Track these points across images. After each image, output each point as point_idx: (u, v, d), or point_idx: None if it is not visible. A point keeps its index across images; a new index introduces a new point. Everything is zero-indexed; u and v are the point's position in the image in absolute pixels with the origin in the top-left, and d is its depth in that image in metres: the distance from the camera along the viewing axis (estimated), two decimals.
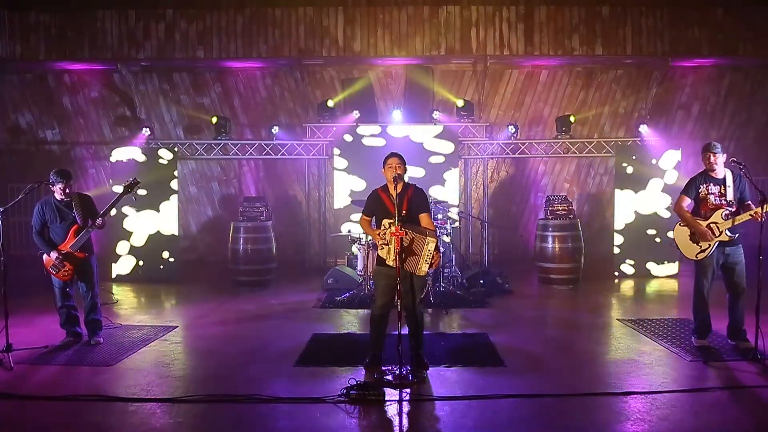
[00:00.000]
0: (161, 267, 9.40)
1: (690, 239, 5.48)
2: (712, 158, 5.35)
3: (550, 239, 8.74)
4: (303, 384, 4.69)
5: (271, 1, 9.64)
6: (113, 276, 9.40)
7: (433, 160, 10.20)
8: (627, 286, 8.95)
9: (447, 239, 8.13)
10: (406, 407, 4.27)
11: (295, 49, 9.68)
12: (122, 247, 9.44)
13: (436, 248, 4.63)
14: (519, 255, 10.99)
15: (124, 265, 9.45)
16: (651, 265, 9.44)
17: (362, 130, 10.21)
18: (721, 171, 5.39)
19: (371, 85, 10.70)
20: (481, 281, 8.26)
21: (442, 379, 4.79)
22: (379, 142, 10.14)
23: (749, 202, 5.35)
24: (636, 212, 9.48)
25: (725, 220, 5.28)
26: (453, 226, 8.45)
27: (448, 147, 10.22)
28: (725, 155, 5.40)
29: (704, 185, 5.41)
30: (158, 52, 9.72)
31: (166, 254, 9.43)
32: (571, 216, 8.91)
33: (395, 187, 4.74)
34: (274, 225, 9.36)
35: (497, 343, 5.77)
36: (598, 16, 9.62)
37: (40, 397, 4.39)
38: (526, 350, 5.62)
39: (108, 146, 10.69)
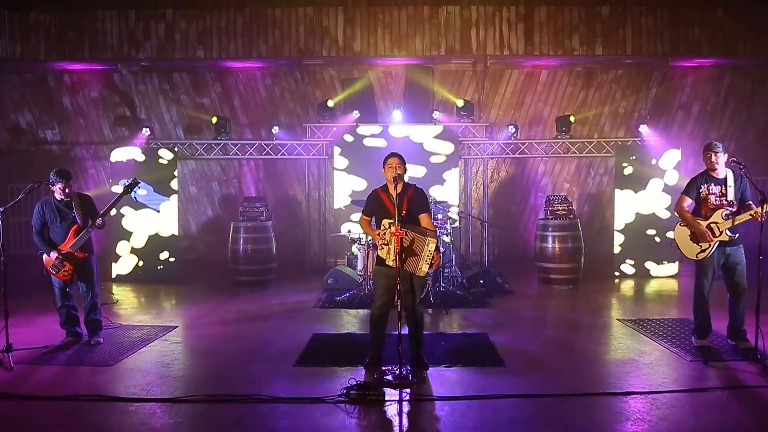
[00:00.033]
0: (161, 267, 9.40)
1: (690, 239, 5.47)
2: (713, 158, 5.34)
3: (550, 239, 8.74)
4: (303, 384, 4.69)
5: (271, 1, 9.64)
6: (113, 276, 9.41)
7: (434, 159, 10.21)
8: (627, 286, 8.95)
9: (447, 239, 8.12)
10: (406, 407, 4.27)
11: (295, 49, 9.68)
12: (122, 247, 9.44)
13: (437, 249, 4.63)
14: (519, 255, 10.99)
15: (124, 265, 9.45)
16: (651, 266, 9.45)
17: (362, 130, 10.21)
18: (722, 171, 5.38)
19: (371, 85, 10.70)
20: (481, 281, 8.26)
21: (442, 379, 4.79)
22: (380, 142, 10.13)
23: (750, 202, 5.34)
24: (636, 212, 9.48)
25: (725, 220, 5.27)
26: (453, 226, 8.44)
27: (448, 148, 10.22)
28: (726, 155, 5.40)
29: (705, 185, 5.41)
30: (158, 52, 9.72)
31: (166, 254, 9.43)
32: (571, 216, 8.91)
33: (395, 187, 4.74)
34: (274, 225, 9.36)
35: (497, 343, 5.77)
36: (598, 16, 9.62)
37: (40, 397, 4.39)
38: (526, 350, 5.62)
39: (108, 146, 10.69)
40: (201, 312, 7.37)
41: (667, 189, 9.42)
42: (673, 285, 8.97)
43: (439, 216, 8.03)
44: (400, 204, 4.74)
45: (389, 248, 4.74)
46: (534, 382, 4.71)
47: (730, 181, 5.35)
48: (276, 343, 5.87)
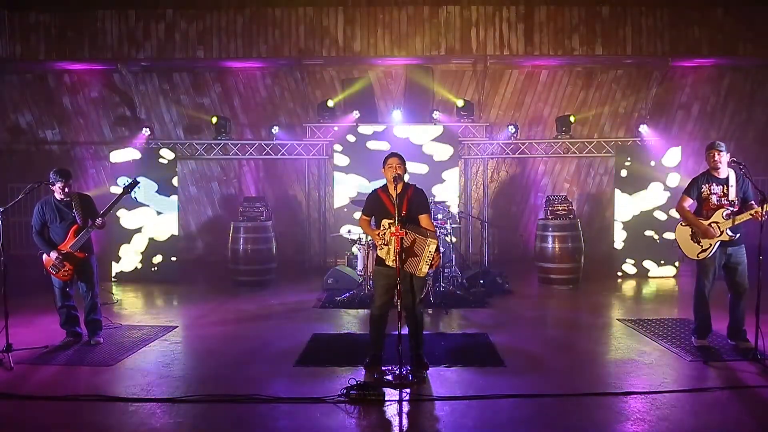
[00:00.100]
0: (160, 267, 9.39)
1: (691, 239, 5.47)
2: (716, 156, 5.32)
3: (550, 239, 8.74)
4: (303, 384, 4.69)
5: (271, 1, 9.64)
6: (113, 276, 9.41)
7: (436, 157, 10.20)
8: (627, 286, 8.95)
9: (451, 239, 8.12)
10: (406, 407, 4.27)
11: (295, 49, 9.68)
12: (122, 247, 9.43)
13: (437, 250, 4.64)
14: (519, 255, 10.99)
15: (124, 264, 9.45)
16: (651, 266, 9.45)
17: (362, 130, 10.21)
18: (725, 170, 5.37)
19: (371, 85, 10.70)
20: (481, 281, 8.26)
21: (442, 379, 4.79)
22: (382, 144, 10.13)
23: (752, 201, 5.33)
24: (636, 212, 9.48)
25: (726, 219, 5.27)
26: (453, 226, 8.45)
27: (447, 151, 10.22)
28: (729, 154, 5.39)
29: (706, 185, 5.40)
30: (158, 52, 9.72)
31: (166, 254, 9.42)
32: (571, 216, 8.91)
33: (395, 187, 4.73)
34: (274, 225, 9.36)
35: (497, 343, 5.77)
36: (598, 16, 9.62)
37: (40, 397, 4.39)
38: (526, 350, 5.62)
39: (108, 146, 10.69)
40: (201, 312, 7.37)
41: (667, 189, 9.41)
42: (673, 285, 8.97)
43: (439, 216, 8.03)
44: (400, 204, 4.74)
45: (389, 248, 4.74)
46: (534, 382, 4.71)
47: (732, 181, 5.33)
48: (276, 343, 5.87)
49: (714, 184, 5.38)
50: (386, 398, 4.30)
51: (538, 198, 11.05)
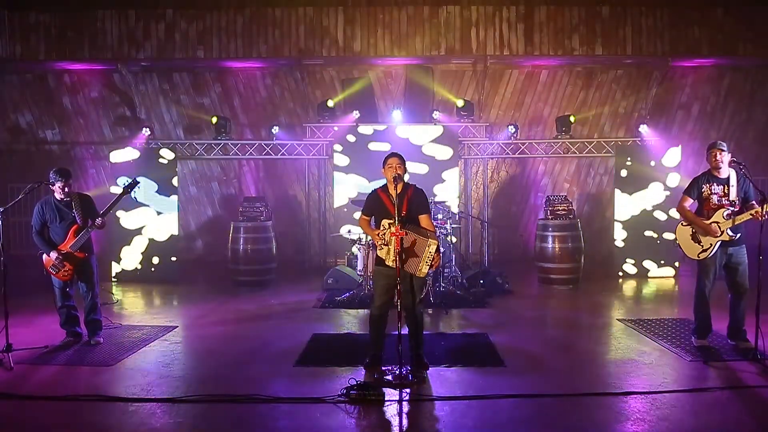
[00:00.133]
0: (161, 267, 9.39)
1: (692, 239, 5.46)
2: (718, 155, 5.31)
3: (550, 239, 8.74)
4: (303, 384, 4.69)
5: (271, 1, 9.65)
6: (113, 276, 9.41)
7: (436, 156, 10.20)
8: (627, 286, 8.95)
9: (451, 239, 8.11)
10: (406, 407, 4.27)
11: (295, 49, 9.68)
12: (122, 247, 9.43)
13: (437, 250, 4.63)
14: (519, 255, 10.99)
15: (124, 264, 9.45)
16: (652, 266, 9.44)
17: (362, 130, 10.21)
18: (726, 170, 5.36)
19: (371, 85, 10.70)
20: (481, 281, 8.26)
21: (442, 379, 4.79)
22: (382, 144, 10.13)
23: (753, 201, 5.33)
24: (636, 212, 9.47)
25: (726, 219, 5.27)
26: (453, 226, 8.45)
27: (447, 151, 10.22)
28: (730, 154, 5.39)
29: (707, 185, 5.39)
30: (158, 52, 9.72)
31: (165, 254, 9.42)
32: (571, 216, 8.91)
33: (395, 187, 4.73)
34: (274, 225, 9.36)
35: (497, 343, 5.77)
36: (598, 16, 9.63)
37: (40, 397, 4.39)
38: (526, 350, 5.62)
39: (108, 146, 10.69)
40: (201, 312, 7.36)
41: (667, 189, 9.41)
42: (673, 285, 8.97)
43: (439, 216, 8.03)
44: (400, 204, 4.73)
45: (389, 248, 4.74)
46: (534, 382, 4.71)
47: (733, 181, 5.33)
48: (276, 343, 5.87)
49: (715, 184, 5.37)
50: (386, 398, 4.29)
51: (538, 198, 11.05)
